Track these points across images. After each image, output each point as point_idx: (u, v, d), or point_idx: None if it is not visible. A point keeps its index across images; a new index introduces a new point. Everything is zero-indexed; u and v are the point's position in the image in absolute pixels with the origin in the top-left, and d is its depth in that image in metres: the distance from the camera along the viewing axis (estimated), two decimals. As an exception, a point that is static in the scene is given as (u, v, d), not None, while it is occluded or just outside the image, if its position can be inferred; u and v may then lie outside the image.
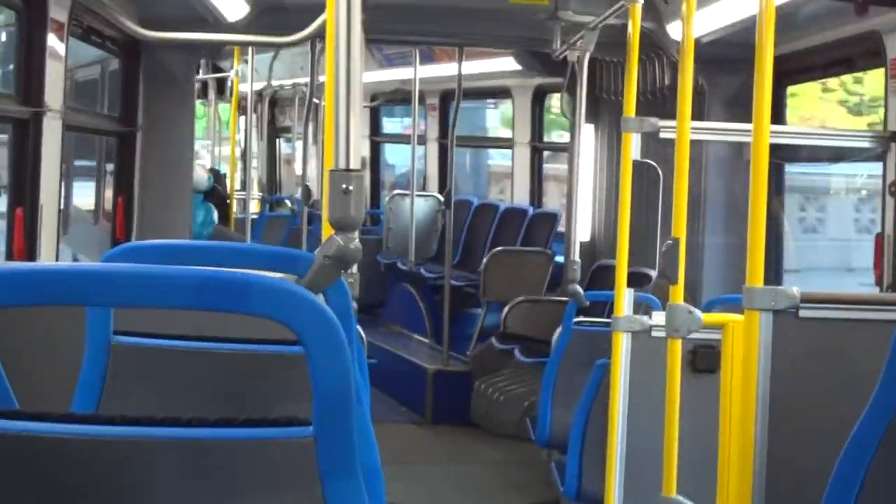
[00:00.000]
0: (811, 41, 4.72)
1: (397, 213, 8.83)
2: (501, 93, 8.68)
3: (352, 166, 1.79)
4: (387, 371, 7.54)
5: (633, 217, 3.65)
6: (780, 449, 2.63)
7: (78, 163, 6.21)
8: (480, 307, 7.27)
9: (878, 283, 4.09)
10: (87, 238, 5.94)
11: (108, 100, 5.94)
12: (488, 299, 7.07)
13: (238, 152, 10.17)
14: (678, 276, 2.91)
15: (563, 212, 7.49)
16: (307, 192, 7.29)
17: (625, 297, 3.60)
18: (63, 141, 4.32)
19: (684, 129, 2.97)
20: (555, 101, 8.32)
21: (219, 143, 11.39)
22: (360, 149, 1.86)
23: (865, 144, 4.25)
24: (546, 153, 8.57)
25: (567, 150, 6.31)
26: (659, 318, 3.39)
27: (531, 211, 8.01)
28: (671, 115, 3.09)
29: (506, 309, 6.42)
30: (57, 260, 4.30)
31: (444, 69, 7.68)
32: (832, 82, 7.02)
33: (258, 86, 10.40)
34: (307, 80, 7.08)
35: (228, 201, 9.16)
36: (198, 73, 10.39)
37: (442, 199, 8.36)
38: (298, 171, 9.72)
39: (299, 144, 9.16)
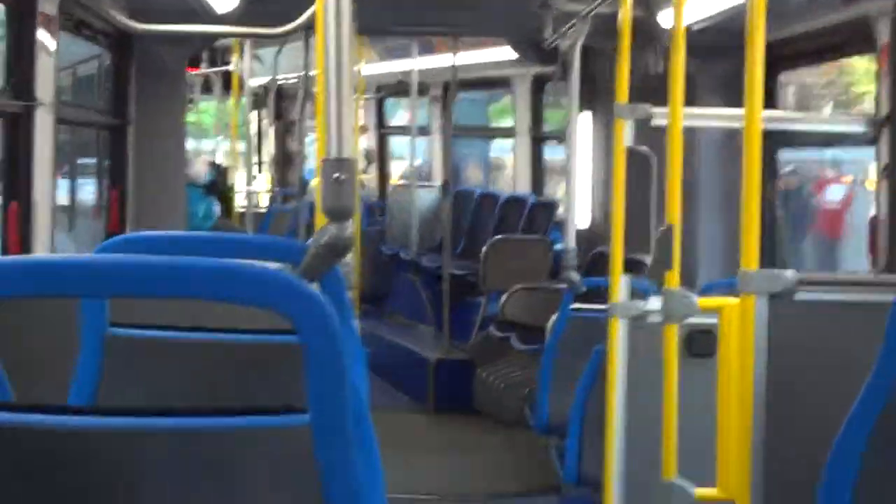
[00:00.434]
0: (802, 27, 4.73)
1: (400, 204, 8.83)
2: (502, 83, 8.67)
3: (344, 155, 1.80)
4: (389, 360, 7.57)
5: (630, 204, 3.66)
6: (778, 430, 2.64)
7: (82, 160, 6.22)
8: (482, 296, 7.28)
9: (874, 265, 4.11)
10: (90, 233, 5.94)
11: (106, 94, 5.94)
12: (489, 288, 7.08)
13: (242, 147, 10.13)
14: (673, 262, 2.92)
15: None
16: (304, 183, 7.29)
17: (621, 284, 3.61)
18: (55, 134, 4.31)
19: (676, 116, 2.98)
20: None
21: (248, 138, 11.32)
22: (352, 139, 1.87)
23: (857, 129, 4.27)
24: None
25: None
26: (655, 303, 3.40)
27: (531, 200, 8.02)
28: (665, 102, 3.10)
29: (504, 297, 6.43)
30: (52, 253, 4.30)
31: (446, 60, 7.66)
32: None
33: (264, 80, 10.38)
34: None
35: (230, 195, 9.14)
36: (199, 67, 10.38)
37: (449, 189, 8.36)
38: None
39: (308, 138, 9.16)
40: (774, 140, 5.02)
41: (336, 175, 1.79)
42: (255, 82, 11.44)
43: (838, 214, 9.15)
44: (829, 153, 8.69)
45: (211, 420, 1.34)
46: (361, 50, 9.03)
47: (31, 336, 2.64)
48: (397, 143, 11.22)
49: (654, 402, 2.98)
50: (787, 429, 2.64)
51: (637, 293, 3.83)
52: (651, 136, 4.06)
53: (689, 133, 5.22)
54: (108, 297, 1.83)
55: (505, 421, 6.38)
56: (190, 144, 11.92)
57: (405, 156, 10.97)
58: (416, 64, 8.47)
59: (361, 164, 11.19)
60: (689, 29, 3.17)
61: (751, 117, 2.49)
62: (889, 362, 1.91)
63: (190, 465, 1.33)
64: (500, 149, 10.54)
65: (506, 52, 7.73)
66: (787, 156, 5.39)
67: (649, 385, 3.19)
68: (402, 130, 10.72)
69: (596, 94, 7.24)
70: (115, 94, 5.68)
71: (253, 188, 9.43)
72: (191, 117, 12.76)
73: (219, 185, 8.64)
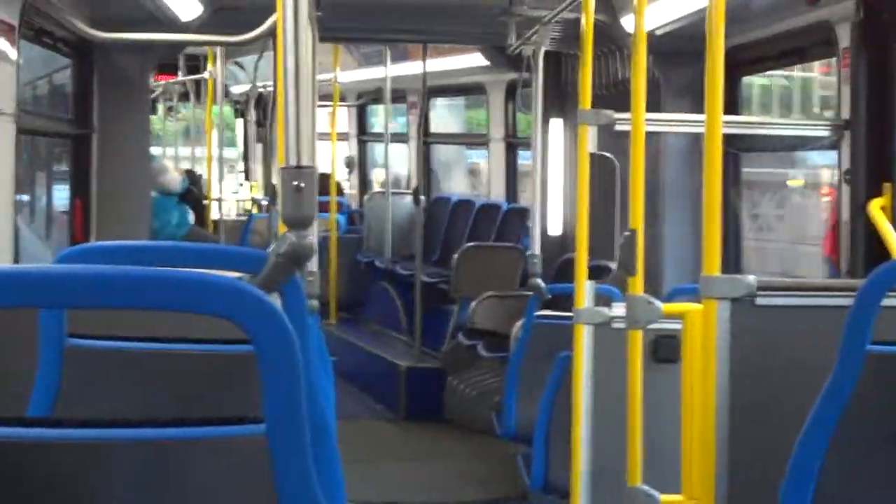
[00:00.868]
0: (764, 32, 4.77)
1: (376, 212, 8.82)
2: (477, 89, 8.71)
3: (304, 163, 1.80)
4: (362, 368, 7.55)
5: (596, 210, 3.67)
6: (742, 435, 2.66)
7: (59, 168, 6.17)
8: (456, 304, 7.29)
9: (835, 268, 4.14)
10: (65, 241, 5.90)
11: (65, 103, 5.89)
12: (460, 295, 7.08)
13: (215, 154, 10.03)
14: (636, 268, 2.93)
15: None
16: (273, 190, 7.26)
17: (585, 290, 3.61)
18: (17, 144, 4.27)
19: (639, 122, 2.99)
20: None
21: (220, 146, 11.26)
22: (312, 147, 1.86)
23: (819, 133, 4.31)
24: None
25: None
26: (620, 309, 3.41)
27: (505, 206, 8.04)
28: (630, 108, 3.11)
29: (472, 304, 6.43)
30: (15, 263, 4.25)
31: (421, 67, 7.66)
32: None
33: (245, 87, 10.33)
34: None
35: (205, 203, 9.08)
36: (176, 75, 10.30)
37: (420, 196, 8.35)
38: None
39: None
40: (736, 146, 5.06)
41: (295, 183, 1.79)
42: (237, 90, 11.38)
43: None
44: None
45: (168, 430, 1.34)
46: (338, 57, 9.03)
47: None
48: (380, 151, 11.27)
49: (620, 408, 2.99)
50: (750, 432, 2.65)
51: (603, 299, 3.84)
52: (618, 141, 4.08)
53: (655, 138, 5.26)
54: (64, 307, 1.82)
55: (475, 429, 6.38)
56: (168, 152, 11.86)
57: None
58: (389, 71, 8.47)
59: (343, 171, 11.21)
60: (651, 34, 3.19)
61: (711, 122, 2.50)
62: (848, 364, 1.93)
63: (148, 476, 1.33)
64: (480, 155, 10.57)
65: (481, 59, 7.76)
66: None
67: (615, 391, 3.20)
68: (380, 137, 10.73)
69: (566, 100, 7.28)
70: (76, 103, 5.63)
71: (226, 196, 9.34)
72: (170, 125, 12.69)
73: (193, 194, 8.58)
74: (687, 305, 2.83)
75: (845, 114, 4.14)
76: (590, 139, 3.64)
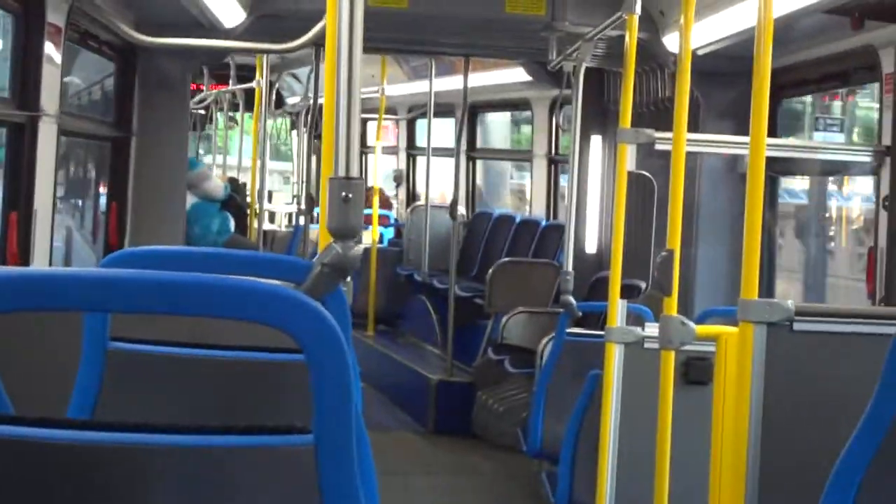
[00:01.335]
0: (807, 55, 4.73)
1: (418, 225, 8.82)
2: (522, 104, 8.69)
3: (352, 174, 1.79)
4: (393, 380, 7.55)
5: (632, 229, 3.65)
6: (773, 462, 2.62)
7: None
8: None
9: (871, 296, 4.10)
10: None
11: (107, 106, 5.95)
12: (494, 310, 7.06)
13: (273, 165, 9.97)
14: (671, 288, 2.91)
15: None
16: (310, 200, 7.27)
17: (618, 309, 3.59)
18: (58, 145, 4.32)
19: (680, 141, 2.97)
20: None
21: (274, 157, 11.24)
22: (356, 157, 1.86)
23: (859, 158, 4.27)
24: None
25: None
26: (652, 329, 3.38)
27: (543, 223, 8.03)
28: (670, 127, 3.10)
29: (504, 319, 6.42)
30: (50, 265, 4.29)
31: (471, 81, 7.66)
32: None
33: (297, 99, 10.36)
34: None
35: (248, 211, 9.13)
36: (227, 84, 10.35)
37: (462, 210, 8.36)
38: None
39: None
40: (775, 169, 5.02)
41: (344, 194, 1.77)
42: (292, 100, 11.42)
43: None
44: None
45: (213, 438, 1.32)
46: (385, 70, 9.05)
47: (32, 349, 2.62)
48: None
49: (649, 429, 2.96)
50: (783, 460, 2.62)
51: (633, 318, 3.82)
52: (651, 159, 4.05)
53: (692, 158, 5.23)
54: (110, 311, 1.82)
55: (502, 445, 6.35)
56: (231, 161, 11.88)
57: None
58: (435, 85, 8.48)
59: (391, 185, 11.22)
60: (693, 53, 3.17)
61: (755, 145, 2.48)
62: (887, 394, 1.90)
63: (190, 483, 1.32)
64: (526, 176, 10.57)
65: (524, 74, 7.74)
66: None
67: (644, 412, 3.17)
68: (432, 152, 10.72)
69: (606, 117, 7.25)
70: (118, 106, 5.68)
71: (273, 206, 9.30)
72: (233, 135, 12.67)
73: (235, 201, 8.62)
74: (722, 328, 2.80)
75: (886, 140, 4.10)
76: (628, 157, 3.62)
